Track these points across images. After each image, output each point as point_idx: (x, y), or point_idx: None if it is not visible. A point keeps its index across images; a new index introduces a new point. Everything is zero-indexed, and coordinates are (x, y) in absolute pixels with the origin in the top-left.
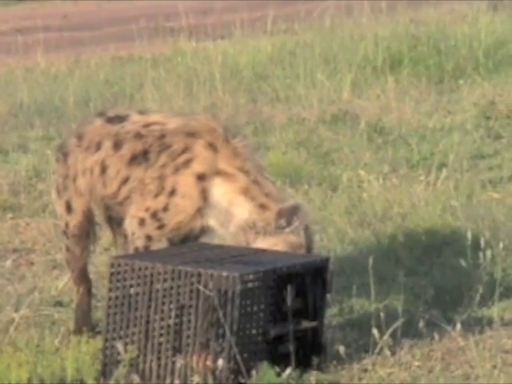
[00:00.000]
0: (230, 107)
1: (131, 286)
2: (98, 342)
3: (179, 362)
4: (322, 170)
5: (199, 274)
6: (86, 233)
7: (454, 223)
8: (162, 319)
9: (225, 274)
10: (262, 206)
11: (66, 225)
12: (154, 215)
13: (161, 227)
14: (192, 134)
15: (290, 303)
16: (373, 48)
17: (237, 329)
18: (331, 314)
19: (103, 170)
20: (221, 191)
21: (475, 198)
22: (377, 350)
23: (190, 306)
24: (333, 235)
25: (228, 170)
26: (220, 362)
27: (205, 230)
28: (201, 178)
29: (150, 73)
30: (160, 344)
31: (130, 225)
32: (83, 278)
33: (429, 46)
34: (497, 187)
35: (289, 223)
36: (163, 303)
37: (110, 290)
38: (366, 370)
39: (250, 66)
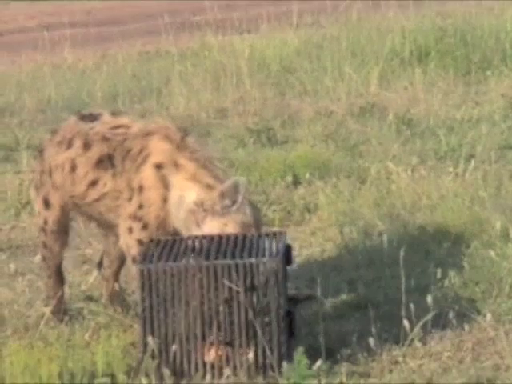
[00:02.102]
0: (258, 101)
1: (165, 288)
2: (129, 336)
3: (211, 355)
4: (350, 163)
5: (237, 266)
6: (65, 228)
7: (482, 214)
8: (201, 314)
9: (265, 260)
10: (209, 186)
11: (45, 221)
12: (135, 217)
13: (145, 227)
14: (148, 134)
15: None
16: (400, 40)
17: (283, 313)
18: (361, 306)
19: (73, 168)
20: (175, 179)
21: (504, 189)
22: (407, 342)
23: (232, 299)
24: (362, 227)
25: (179, 160)
26: (250, 355)
27: (171, 223)
28: (159, 167)
29: (177, 67)
30: (195, 337)
31: (122, 239)
32: (58, 274)
33: (456, 37)
34: None
35: (233, 201)
36: (202, 299)
37: (143, 298)
38: (396, 362)
39: (277, 60)
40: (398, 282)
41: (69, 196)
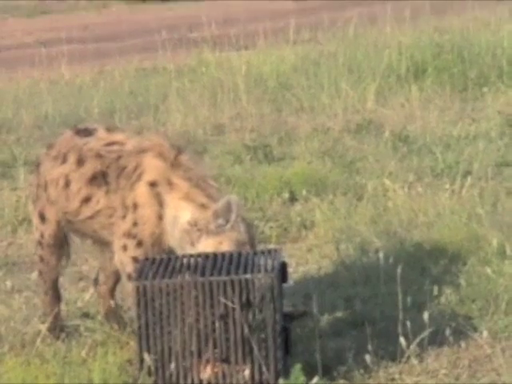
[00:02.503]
0: (255, 117)
1: (161, 305)
2: (125, 353)
3: (207, 372)
4: (347, 180)
5: (233, 282)
6: (61, 243)
7: (479, 231)
8: (197, 331)
9: (260, 276)
10: (203, 206)
11: (41, 235)
12: (129, 234)
13: (139, 244)
14: (142, 151)
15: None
16: (397, 56)
17: (279, 329)
18: (357, 323)
19: (67, 184)
20: (169, 198)
21: (500, 206)
22: (404, 359)
23: (227, 316)
24: (358, 244)
25: (173, 179)
26: (247, 371)
27: (166, 240)
28: (153, 184)
29: (174, 84)
30: (191, 354)
31: (117, 257)
32: (55, 290)
33: (453, 54)
34: None
35: (227, 220)
36: (197, 316)
37: (139, 315)
38: (393, 379)
39: (274, 76)
40: (394, 298)
41: (63, 212)
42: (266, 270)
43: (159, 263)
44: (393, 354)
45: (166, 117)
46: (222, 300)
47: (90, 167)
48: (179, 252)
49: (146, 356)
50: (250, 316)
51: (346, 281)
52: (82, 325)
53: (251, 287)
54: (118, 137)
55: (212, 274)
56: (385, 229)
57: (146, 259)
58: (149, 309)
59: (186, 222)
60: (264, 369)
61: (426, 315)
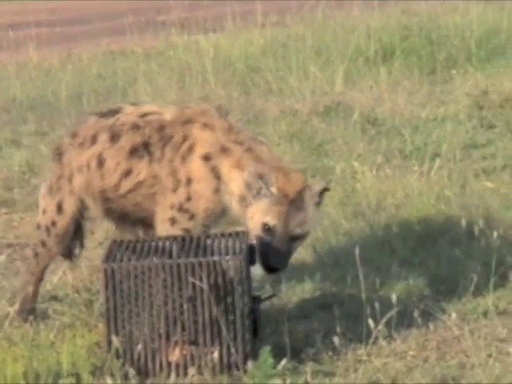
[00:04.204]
0: (223, 100)
1: (129, 288)
2: (94, 336)
3: (175, 354)
4: (315, 162)
5: (201, 264)
6: (69, 235)
7: (447, 213)
8: (165, 314)
9: (228, 258)
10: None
11: (53, 223)
12: (181, 208)
13: (192, 217)
14: (187, 121)
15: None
16: (365, 39)
17: (247, 311)
18: (326, 306)
19: (100, 163)
20: (224, 168)
21: (469, 188)
22: (372, 340)
23: (196, 298)
24: (327, 227)
25: (226, 144)
26: (215, 354)
27: (225, 210)
28: (207, 158)
29: (142, 67)
30: (160, 336)
31: (162, 230)
32: (42, 273)
33: (421, 36)
34: (490, 176)
35: (258, 190)
36: (165, 299)
37: (108, 298)
38: (361, 361)
39: (242, 59)
40: (362, 281)
41: (98, 192)
42: (234, 253)
43: (127, 246)
44: (361, 336)
45: (135, 100)
46: (191, 281)
47: (128, 140)
48: (243, 224)
49: (114, 339)
50: (219, 298)
51: (315, 263)
52: (50, 307)
53: (219, 269)
54: (149, 107)
55: (180, 257)
56: (353, 211)
57: (114, 242)
58: (117, 291)
59: (237, 195)
60: (233, 351)
61: (394, 297)
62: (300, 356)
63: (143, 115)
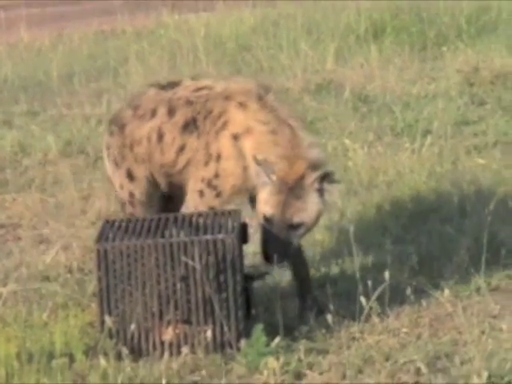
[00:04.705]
0: None
1: (121, 267)
2: (87, 316)
3: (168, 333)
4: None
5: (193, 243)
6: (153, 199)
7: (439, 190)
8: (158, 293)
9: (220, 236)
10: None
11: (131, 194)
12: (209, 184)
13: (219, 195)
14: (228, 97)
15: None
16: (355, 17)
17: (240, 289)
18: (319, 283)
19: (160, 137)
20: (247, 148)
21: (460, 164)
22: (364, 318)
23: (188, 277)
24: None
25: (251, 125)
26: (208, 332)
27: (252, 190)
28: (235, 137)
29: (133, 46)
30: (153, 316)
31: (191, 199)
32: None
33: (411, 14)
34: (481, 153)
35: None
36: (158, 278)
37: (100, 278)
38: (354, 338)
39: (233, 38)
40: (355, 258)
41: (159, 166)
42: (226, 231)
43: (119, 226)
44: (354, 314)
45: (126, 79)
46: (183, 260)
47: (182, 115)
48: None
49: (107, 318)
50: (211, 276)
51: (307, 241)
52: (42, 288)
53: (212, 248)
54: (205, 82)
55: (172, 236)
56: (345, 188)
57: (107, 221)
58: (109, 271)
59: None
60: (226, 329)
61: (386, 274)
62: (293, 334)
63: (197, 90)
